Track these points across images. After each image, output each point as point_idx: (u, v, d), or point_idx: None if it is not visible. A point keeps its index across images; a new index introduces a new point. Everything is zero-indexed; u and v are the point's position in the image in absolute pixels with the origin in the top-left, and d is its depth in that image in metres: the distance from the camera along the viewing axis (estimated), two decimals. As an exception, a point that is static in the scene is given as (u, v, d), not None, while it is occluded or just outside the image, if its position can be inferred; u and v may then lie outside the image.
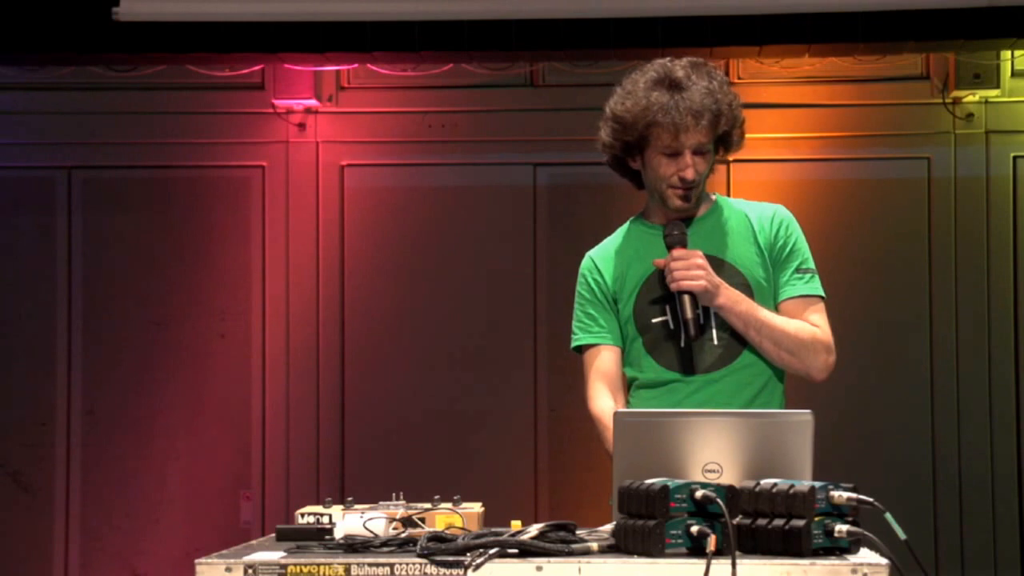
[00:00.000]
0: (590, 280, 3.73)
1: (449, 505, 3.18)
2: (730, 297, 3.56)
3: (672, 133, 3.52)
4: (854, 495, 2.67)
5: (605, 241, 3.78)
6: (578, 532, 2.80)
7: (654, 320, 3.63)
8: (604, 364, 3.68)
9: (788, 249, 3.66)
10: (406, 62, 6.68)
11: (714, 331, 3.59)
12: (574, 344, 3.74)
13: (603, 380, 3.67)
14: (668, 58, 3.62)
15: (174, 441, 7.07)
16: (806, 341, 3.60)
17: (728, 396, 3.57)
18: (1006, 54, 6.81)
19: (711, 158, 3.61)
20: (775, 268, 3.65)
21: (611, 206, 6.11)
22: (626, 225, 3.77)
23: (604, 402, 3.63)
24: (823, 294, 3.68)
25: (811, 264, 3.68)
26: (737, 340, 3.59)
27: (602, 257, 3.74)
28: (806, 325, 3.61)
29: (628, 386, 3.71)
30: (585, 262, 3.76)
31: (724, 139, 3.62)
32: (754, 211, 3.71)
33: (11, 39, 6.07)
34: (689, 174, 3.56)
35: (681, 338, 3.58)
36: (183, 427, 7.07)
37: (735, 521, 2.67)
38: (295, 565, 2.68)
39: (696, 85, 3.52)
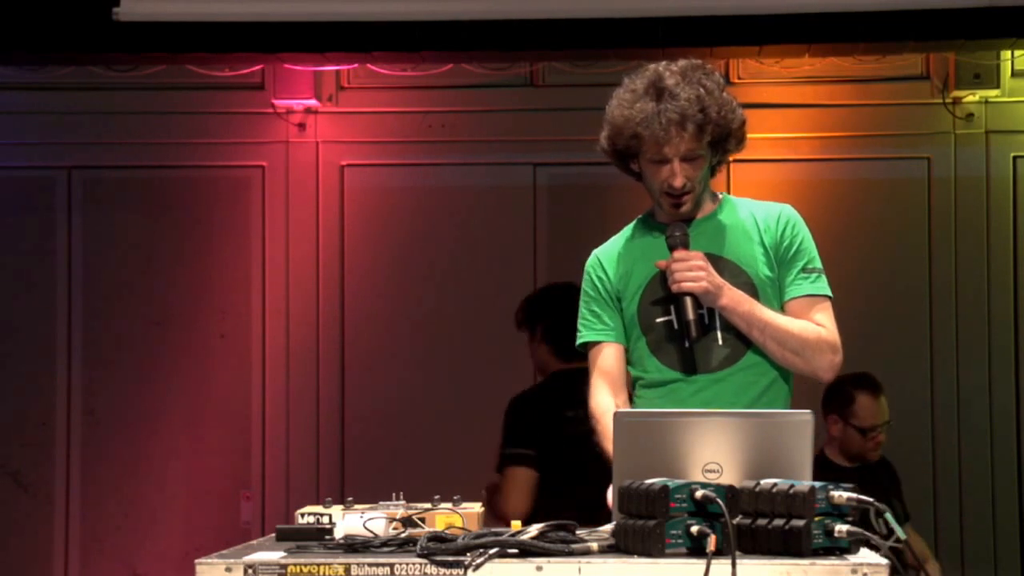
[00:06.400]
0: (595, 278, 3.74)
1: (449, 505, 3.18)
2: (732, 298, 3.56)
3: (655, 144, 3.53)
4: (854, 495, 2.68)
5: (612, 239, 3.79)
6: (578, 532, 2.80)
7: (658, 320, 3.64)
8: (607, 362, 3.69)
9: (794, 248, 3.66)
10: (406, 62, 6.68)
11: (719, 331, 3.59)
12: (578, 342, 3.75)
13: (605, 378, 3.68)
14: (664, 62, 3.61)
15: (174, 441, 7.07)
16: (811, 341, 3.60)
17: (732, 396, 3.57)
18: (1006, 54, 6.80)
19: (705, 163, 3.61)
20: (781, 268, 3.65)
21: (611, 206, 6.12)
22: (633, 223, 3.78)
23: (604, 400, 3.64)
24: (830, 294, 3.67)
25: (818, 264, 3.67)
26: (742, 340, 3.59)
27: (607, 255, 3.75)
28: (811, 325, 3.61)
29: (632, 385, 3.71)
30: (591, 260, 3.77)
31: (719, 144, 3.61)
32: (760, 210, 3.71)
33: (11, 39, 6.07)
34: (676, 182, 3.57)
35: (685, 338, 3.59)
36: (183, 427, 7.07)
37: (735, 521, 2.68)
38: (295, 565, 2.68)
39: (683, 93, 3.51)
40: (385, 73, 6.93)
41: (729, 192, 3.95)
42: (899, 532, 2.63)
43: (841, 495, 2.67)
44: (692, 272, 3.53)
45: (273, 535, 3.08)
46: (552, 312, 5.27)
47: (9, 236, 7.14)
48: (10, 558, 7.03)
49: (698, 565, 2.57)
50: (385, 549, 2.79)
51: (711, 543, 2.59)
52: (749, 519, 2.70)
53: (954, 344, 6.93)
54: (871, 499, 2.67)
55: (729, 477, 2.85)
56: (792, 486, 2.67)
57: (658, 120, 3.49)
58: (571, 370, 5.10)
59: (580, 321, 3.75)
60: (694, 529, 2.64)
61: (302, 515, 3.16)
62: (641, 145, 3.55)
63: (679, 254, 3.57)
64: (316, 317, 7.11)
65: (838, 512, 2.67)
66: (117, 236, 7.14)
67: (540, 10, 5.88)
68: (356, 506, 3.16)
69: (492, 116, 7.07)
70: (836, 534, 2.65)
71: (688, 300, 3.55)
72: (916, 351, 6.95)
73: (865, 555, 2.67)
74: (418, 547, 2.69)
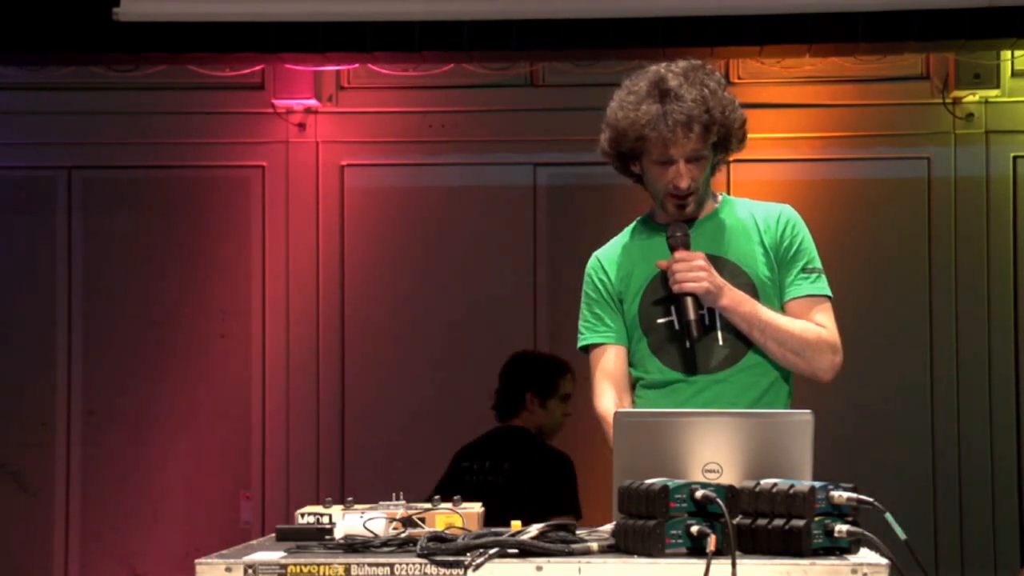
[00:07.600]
0: (596, 280, 3.74)
1: (449, 505, 3.18)
2: (733, 298, 3.56)
3: (662, 145, 3.53)
4: (854, 495, 2.68)
5: (612, 241, 3.79)
6: (578, 532, 2.80)
7: (659, 321, 3.64)
8: (610, 364, 3.69)
9: (794, 249, 3.66)
10: (406, 62, 6.67)
11: (719, 332, 3.60)
12: (580, 344, 3.75)
13: (609, 380, 3.68)
14: (665, 63, 3.61)
15: (174, 441, 7.07)
16: (811, 341, 3.60)
17: (733, 396, 3.57)
18: (1006, 54, 6.80)
19: (708, 163, 3.61)
20: (781, 268, 3.65)
21: (611, 206, 6.12)
22: (633, 225, 3.79)
23: (608, 402, 3.64)
24: (830, 294, 3.68)
25: (818, 264, 3.68)
26: (742, 341, 3.59)
27: (608, 257, 3.75)
28: (811, 325, 3.62)
29: (633, 386, 3.71)
30: (592, 261, 3.77)
31: (721, 144, 3.62)
32: (760, 211, 3.71)
33: (11, 39, 6.07)
34: (682, 183, 3.57)
35: (686, 339, 3.59)
36: (183, 427, 7.07)
37: (735, 521, 2.68)
38: (295, 565, 2.68)
39: (688, 94, 3.51)
40: (385, 73, 6.93)
41: (729, 192, 3.95)
42: (899, 532, 2.63)
43: (841, 495, 2.67)
44: (693, 272, 3.54)
45: (273, 535, 3.08)
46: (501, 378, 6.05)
47: (9, 236, 7.14)
48: (10, 558, 7.04)
49: (698, 565, 2.57)
50: (385, 549, 2.79)
51: (711, 543, 2.59)
52: (749, 519, 2.70)
53: (954, 344, 6.93)
54: (871, 499, 2.67)
55: (729, 477, 2.85)
56: (792, 486, 2.67)
57: (664, 122, 3.49)
58: (500, 428, 5.97)
59: (582, 323, 3.75)
60: (694, 529, 2.64)
61: (302, 515, 3.16)
62: (646, 147, 3.55)
63: (680, 254, 3.57)
64: (316, 317, 7.11)
65: (838, 512, 2.67)
66: (117, 236, 7.14)
67: (540, 10, 5.88)
68: (356, 506, 3.16)
69: (492, 116, 7.07)
70: (836, 534, 2.65)
71: (689, 300, 3.55)
72: (916, 351, 6.94)
73: (865, 555, 2.67)
74: (418, 547, 2.69)
